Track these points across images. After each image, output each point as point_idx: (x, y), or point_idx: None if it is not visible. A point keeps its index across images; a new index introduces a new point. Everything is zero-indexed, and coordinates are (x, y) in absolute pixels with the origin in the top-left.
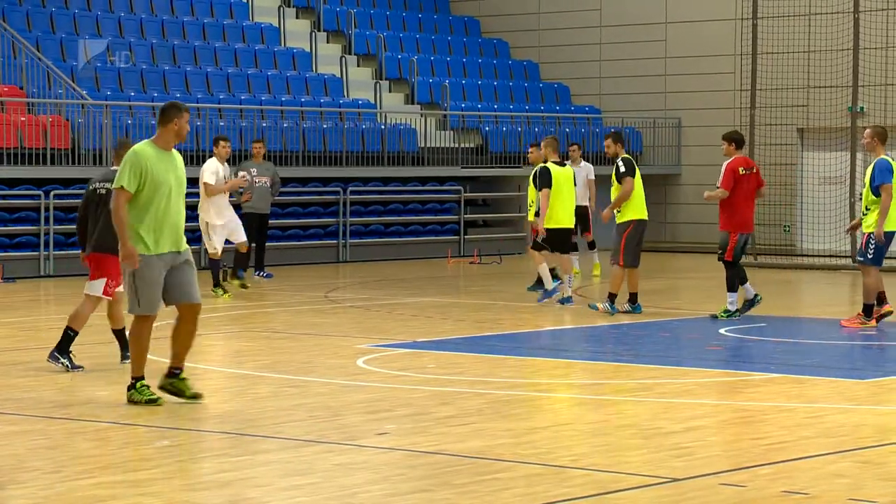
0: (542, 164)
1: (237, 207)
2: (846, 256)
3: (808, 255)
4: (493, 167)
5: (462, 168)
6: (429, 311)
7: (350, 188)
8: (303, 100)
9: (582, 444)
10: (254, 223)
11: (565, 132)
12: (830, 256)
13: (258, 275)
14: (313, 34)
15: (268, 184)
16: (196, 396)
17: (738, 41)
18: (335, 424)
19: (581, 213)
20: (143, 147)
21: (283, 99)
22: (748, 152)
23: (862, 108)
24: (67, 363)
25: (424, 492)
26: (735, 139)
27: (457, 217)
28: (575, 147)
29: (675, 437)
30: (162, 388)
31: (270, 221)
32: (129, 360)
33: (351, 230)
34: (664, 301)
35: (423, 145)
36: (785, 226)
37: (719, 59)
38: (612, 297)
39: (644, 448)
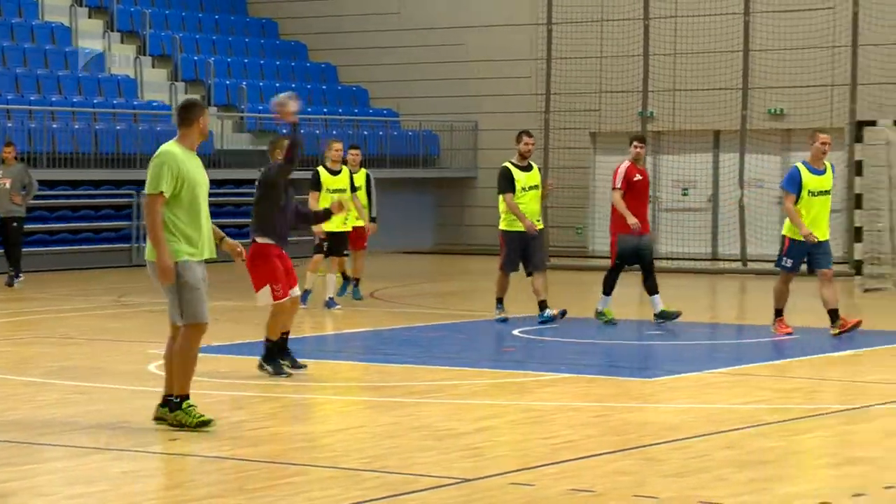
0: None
1: None
2: None
3: (600, 257)
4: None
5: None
6: (228, 314)
7: (141, 191)
8: (95, 101)
9: (375, 446)
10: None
11: (363, 135)
12: None
13: (14, 281)
14: (107, 34)
15: (8, 185)
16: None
17: (535, 46)
18: (124, 431)
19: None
20: (172, 147)
21: (75, 100)
22: (543, 156)
23: (651, 113)
24: (270, 369)
25: (217, 497)
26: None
27: None
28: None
29: (467, 438)
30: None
31: (55, 225)
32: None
33: (143, 234)
34: (460, 303)
35: (219, 147)
36: (577, 228)
37: (516, 63)
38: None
39: (435, 449)
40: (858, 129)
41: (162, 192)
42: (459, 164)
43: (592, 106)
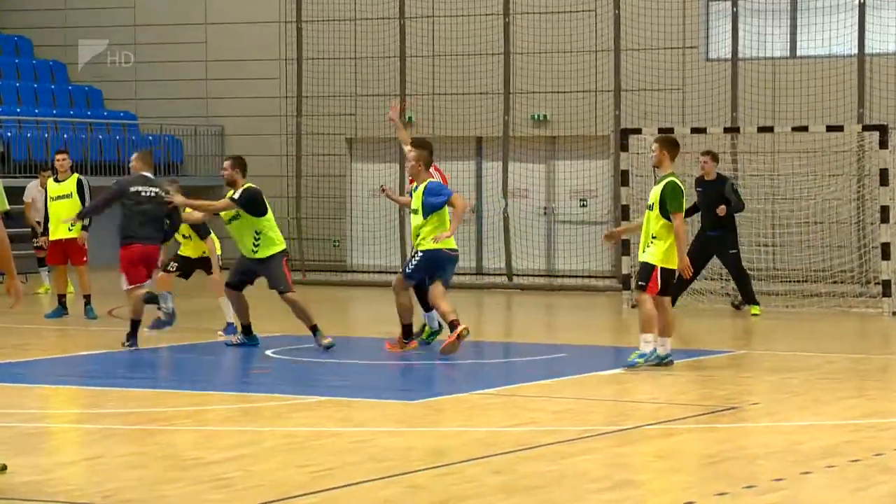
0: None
1: None
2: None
3: (358, 271)
4: (17, 176)
5: None
6: None
7: None
8: None
9: (115, 478)
10: None
11: (98, 139)
12: (382, 272)
13: None
14: None
15: None
16: None
17: (283, 45)
18: None
19: None
20: None
21: None
22: (295, 163)
23: (410, 118)
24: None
25: None
26: None
27: None
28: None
29: (217, 468)
30: None
31: None
32: None
33: None
34: (207, 321)
35: None
36: (334, 240)
37: (263, 63)
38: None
39: (182, 480)
40: (623, 136)
41: None
42: (205, 171)
43: (348, 110)
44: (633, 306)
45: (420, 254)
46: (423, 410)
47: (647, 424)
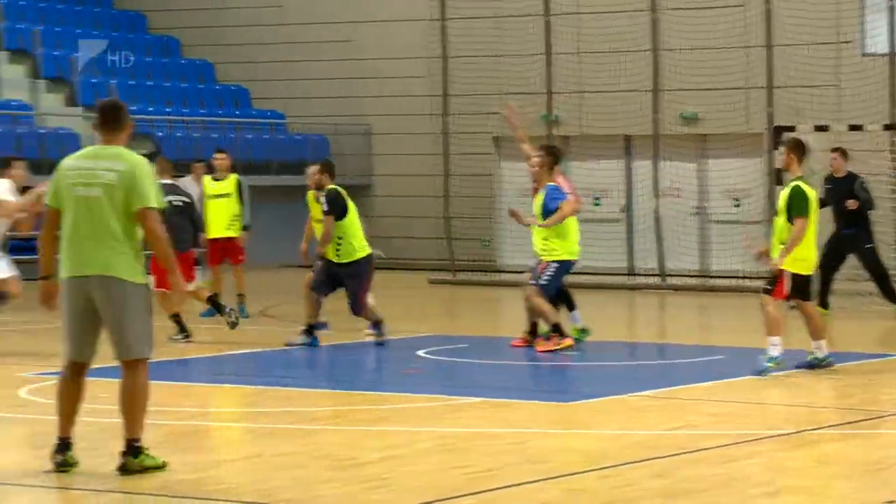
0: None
1: None
2: None
3: (509, 271)
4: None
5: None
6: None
7: None
8: None
9: (271, 478)
10: None
11: (246, 139)
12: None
13: None
14: None
15: None
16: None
17: (429, 43)
18: None
19: None
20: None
21: None
22: (443, 163)
23: (556, 117)
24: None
25: None
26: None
27: None
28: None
29: (372, 468)
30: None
31: None
32: None
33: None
34: (359, 321)
35: None
36: (483, 240)
37: (410, 61)
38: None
39: (338, 481)
40: (777, 134)
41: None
42: (352, 171)
43: (494, 108)
44: (792, 307)
45: (555, 265)
46: (579, 412)
47: (809, 429)
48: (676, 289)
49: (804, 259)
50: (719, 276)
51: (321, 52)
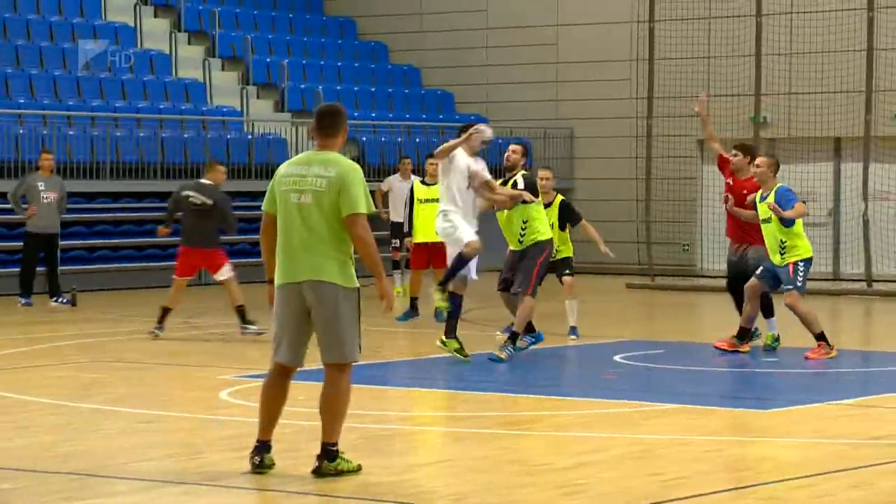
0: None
1: (20, 225)
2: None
3: (708, 276)
4: (371, 180)
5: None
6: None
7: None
8: (161, 106)
9: (464, 482)
10: (41, 243)
11: None
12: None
13: (56, 301)
14: (173, 35)
15: (54, 200)
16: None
17: (634, 46)
18: (195, 463)
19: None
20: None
21: (140, 105)
22: (645, 166)
23: (765, 118)
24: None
25: None
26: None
27: None
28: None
29: (566, 474)
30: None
31: (126, 241)
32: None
33: None
34: (557, 326)
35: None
36: (684, 244)
37: (614, 64)
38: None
39: (532, 486)
40: None
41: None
42: (556, 175)
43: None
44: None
45: (801, 263)
46: (776, 420)
47: None
48: (884, 295)
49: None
50: None
51: (525, 56)
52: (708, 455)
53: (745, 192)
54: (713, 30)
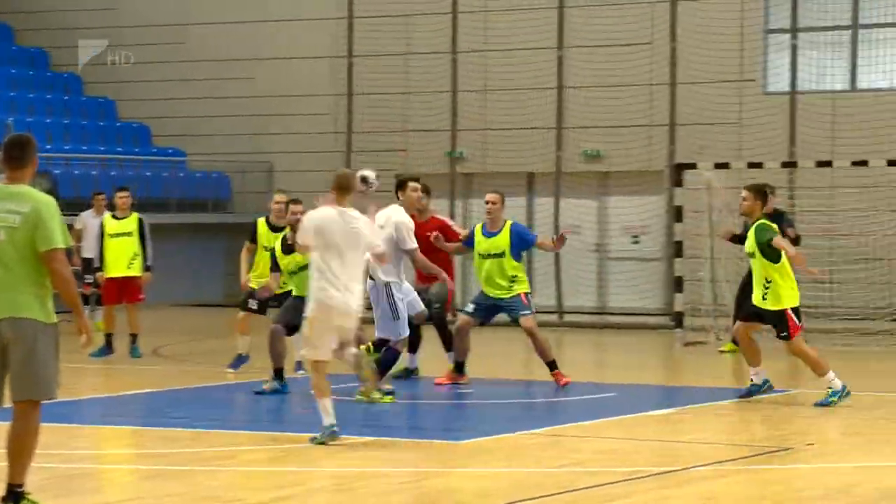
0: None
1: None
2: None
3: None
4: (65, 213)
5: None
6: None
7: None
8: None
9: None
10: None
11: (146, 176)
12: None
13: None
14: None
15: None
16: None
17: (334, 81)
18: None
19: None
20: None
21: None
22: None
23: (461, 153)
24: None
25: None
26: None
27: None
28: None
29: None
30: None
31: None
32: None
33: None
34: (253, 361)
35: None
36: None
37: (314, 99)
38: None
39: None
40: (678, 172)
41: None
42: (253, 209)
43: (398, 145)
44: (686, 344)
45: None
46: (469, 451)
47: (696, 466)
48: (574, 326)
49: (792, 290)
50: (617, 314)
51: (222, 89)
52: (404, 487)
53: (427, 234)
54: (411, 66)
